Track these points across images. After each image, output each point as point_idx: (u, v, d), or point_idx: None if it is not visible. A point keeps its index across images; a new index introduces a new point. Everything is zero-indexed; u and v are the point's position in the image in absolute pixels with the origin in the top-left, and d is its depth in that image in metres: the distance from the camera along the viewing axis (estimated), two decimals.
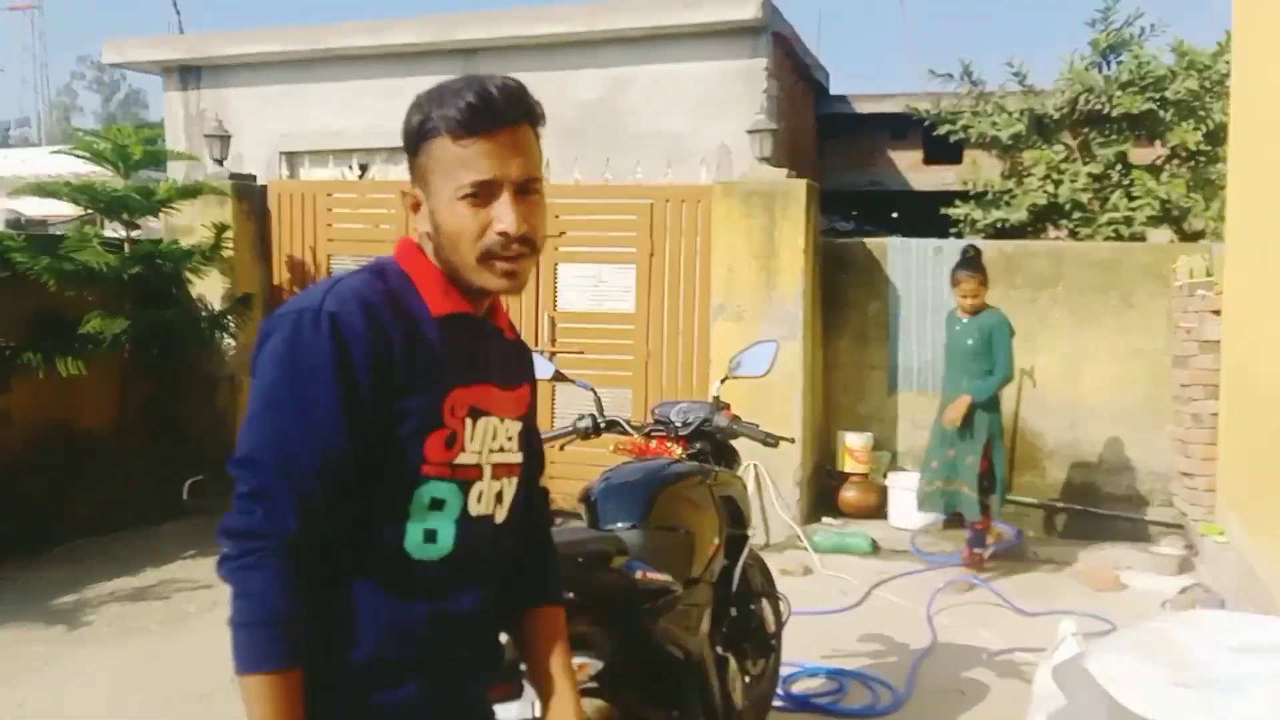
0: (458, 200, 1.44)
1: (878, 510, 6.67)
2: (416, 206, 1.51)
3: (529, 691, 2.17)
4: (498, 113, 1.43)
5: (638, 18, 7.86)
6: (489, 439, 1.54)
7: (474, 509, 1.52)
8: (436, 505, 1.48)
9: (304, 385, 1.38)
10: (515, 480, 1.62)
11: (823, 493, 6.85)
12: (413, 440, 1.44)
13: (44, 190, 6.43)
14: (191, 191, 6.75)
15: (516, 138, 1.45)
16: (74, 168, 7.42)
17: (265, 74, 9.15)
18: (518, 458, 1.62)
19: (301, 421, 1.38)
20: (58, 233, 7.24)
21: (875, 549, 6.22)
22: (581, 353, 6.60)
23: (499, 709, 2.08)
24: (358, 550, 1.45)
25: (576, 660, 2.40)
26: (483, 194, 1.44)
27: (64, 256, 6.02)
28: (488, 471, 1.54)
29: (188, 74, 9.53)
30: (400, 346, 1.42)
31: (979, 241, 6.87)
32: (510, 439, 1.59)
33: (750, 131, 6.47)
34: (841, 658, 4.44)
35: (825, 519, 6.62)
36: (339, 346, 1.38)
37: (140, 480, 6.66)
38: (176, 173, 8.66)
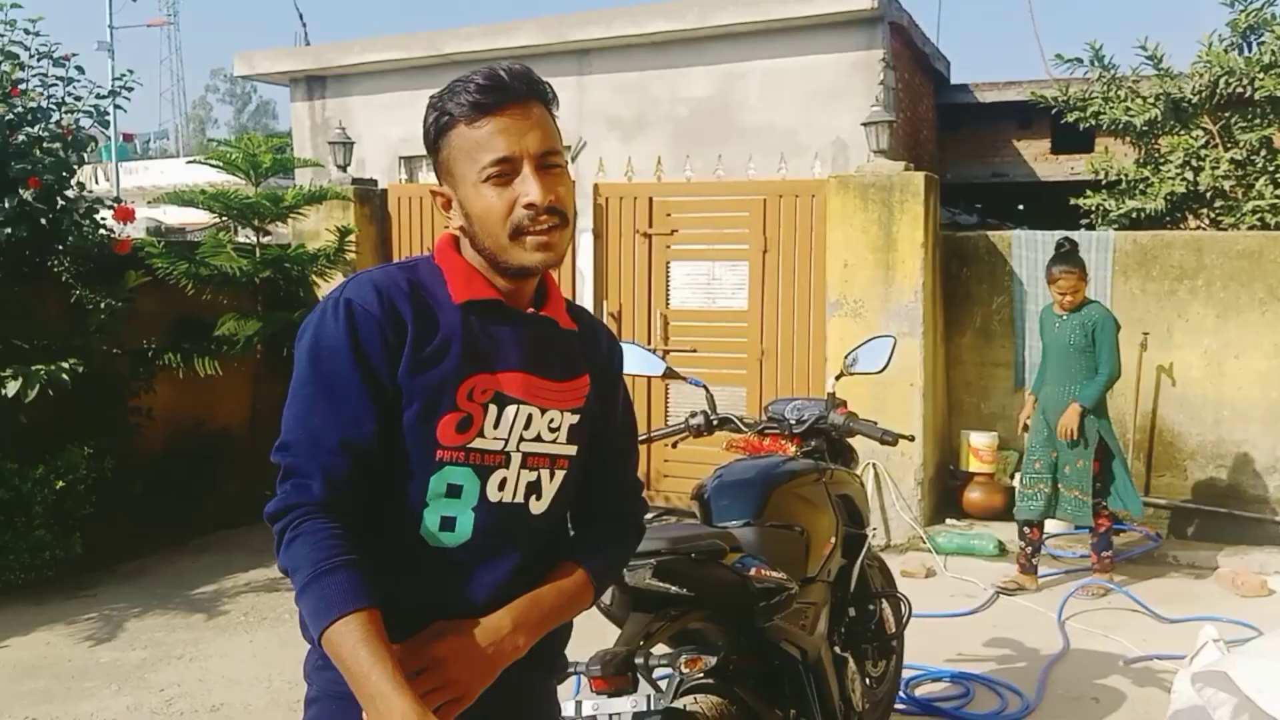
0: (482, 183, 1.46)
1: (1004, 511, 6.43)
2: (447, 204, 1.54)
3: (644, 685, 2.17)
4: (506, 89, 1.45)
5: (751, 12, 7.79)
6: (520, 427, 1.52)
7: (494, 495, 1.51)
8: (454, 492, 1.48)
9: (326, 367, 1.44)
10: (562, 472, 1.58)
11: (946, 493, 6.66)
12: (425, 422, 1.45)
13: (181, 199, 6.74)
14: (317, 197, 7.00)
15: (529, 112, 1.47)
16: (209, 176, 7.76)
17: (385, 81, 9.42)
18: (565, 450, 1.58)
19: (325, 400, 1.43)
20: (194, 239, 7.58)
21: (1002, 551, 6.00)
22: (694, 351, 6.57)
23: (609, 703, 2.07)
24: (377, 536, 1.46)
25: (690, 655, 2.39)
26: (505, 171, 1.45)
27: (200, 261, 6.34)
28: (516, 460, 1.52)
29: (313, 84, 9.89)
30: (414, 330, 1.45)
31: (1076, 234, 6.53)
32: (555, 429, 1.56)
33: (866, 124, 6.34)
34: (967, 662, 4.32)
35: (949, 520, 6.43)
36: (353, 329, 1.43)
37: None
38: (303, 179, 8.99)
